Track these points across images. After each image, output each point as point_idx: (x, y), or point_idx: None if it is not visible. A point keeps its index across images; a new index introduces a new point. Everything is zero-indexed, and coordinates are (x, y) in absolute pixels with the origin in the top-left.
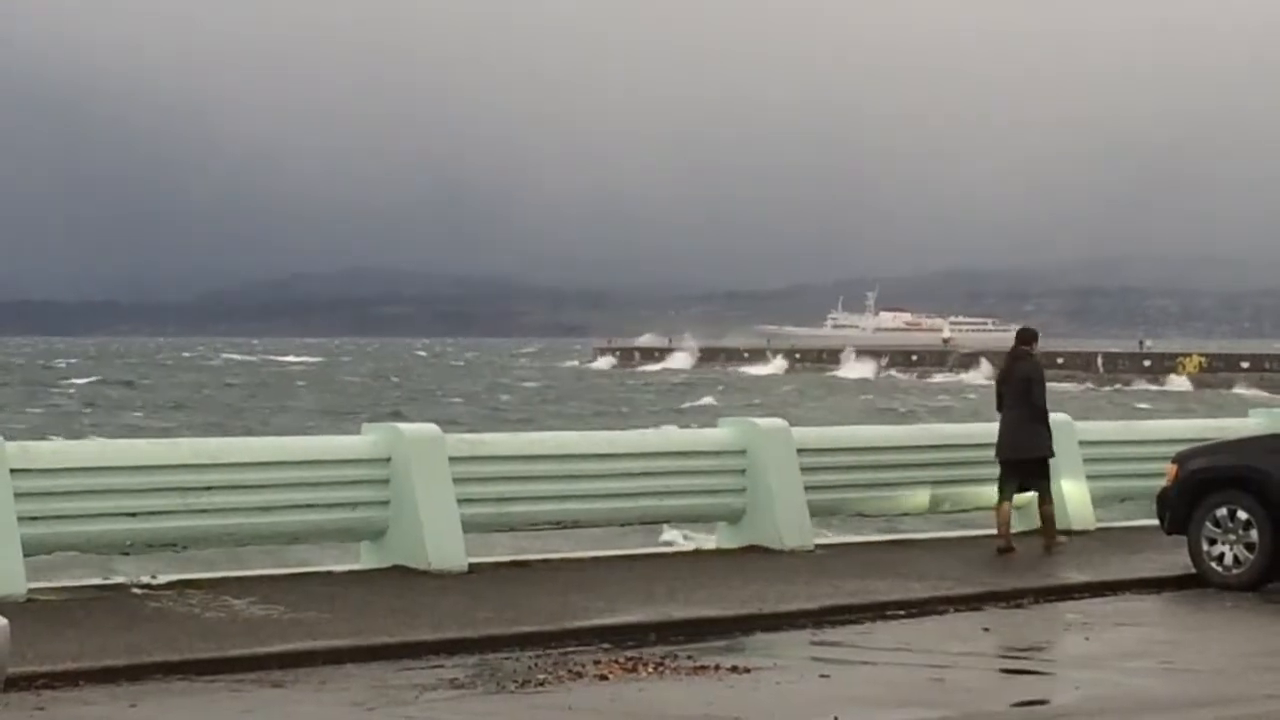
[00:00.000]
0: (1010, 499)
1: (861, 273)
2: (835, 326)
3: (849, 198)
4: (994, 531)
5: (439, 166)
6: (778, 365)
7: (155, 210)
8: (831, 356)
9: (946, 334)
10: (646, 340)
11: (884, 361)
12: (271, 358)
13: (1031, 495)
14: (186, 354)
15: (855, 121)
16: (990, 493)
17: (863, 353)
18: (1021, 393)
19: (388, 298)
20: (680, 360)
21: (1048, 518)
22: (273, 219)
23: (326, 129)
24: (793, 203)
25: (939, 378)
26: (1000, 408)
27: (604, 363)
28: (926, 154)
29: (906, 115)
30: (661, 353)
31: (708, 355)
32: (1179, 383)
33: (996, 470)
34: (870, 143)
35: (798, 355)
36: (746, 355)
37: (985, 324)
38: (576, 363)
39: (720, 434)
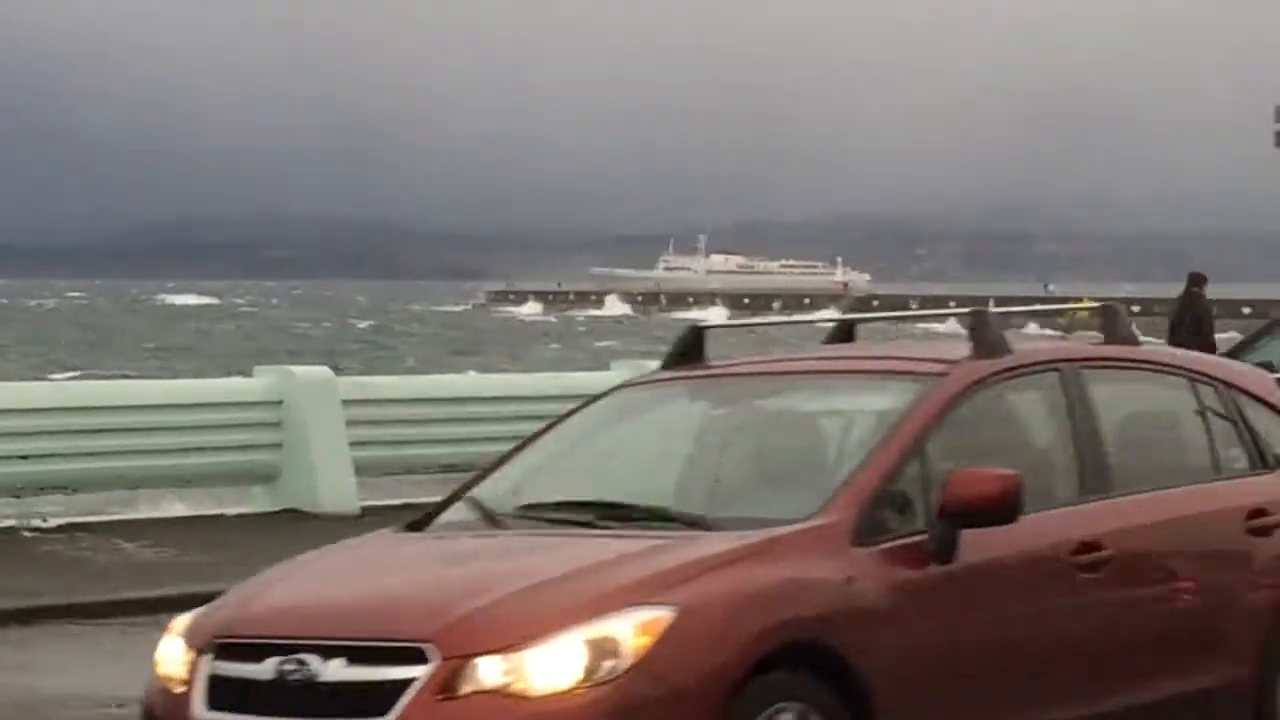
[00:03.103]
0: None
1: (755, 216)
2: (667, 269)
3: (750, 144)
4: None
5: (338, 111)
6: (716, 314)
7: (40, 148)
8: (830, 302)
9: (840, 277)
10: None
11: (876, 306)
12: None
13: None
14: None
15: (760, 68)
16: None
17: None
18: (1194, 330)
19: (277, 241)
20: (617, 307)
21: None
22: (162, 161)
23: (223, 70)
24: (694, 148)
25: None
26: (1171, 343)
27: (533, 309)
28: (827, 100)
29: (811, 62)
30: (597, 296)
31: (647, 300)
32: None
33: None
34: (774, 89)
35: (746, 300)
36: (663, 301)
37: (816, 267)
38: (470, 305)
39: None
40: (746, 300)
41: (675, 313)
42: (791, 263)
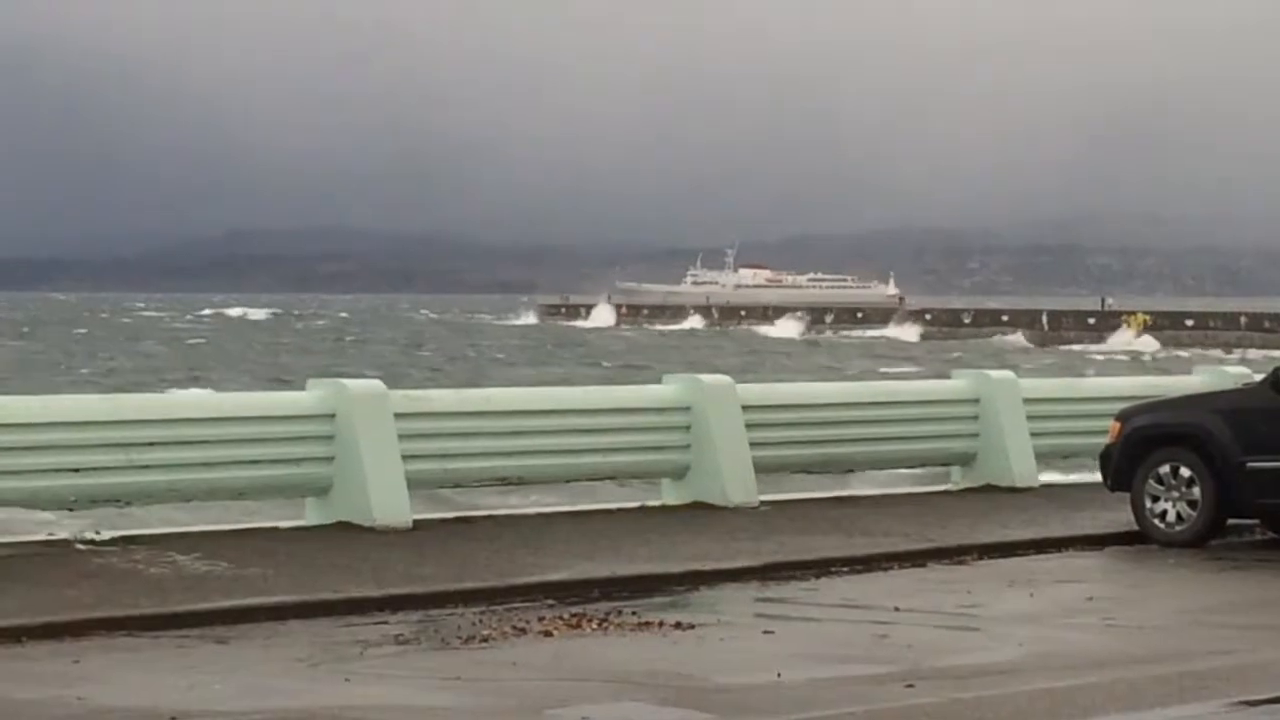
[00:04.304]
0: None
1: (804, 230)
2: (695, 283)
3: (800, 159)
4: (940, 488)
5: (389, 128)
6: (791, 327)
7: (96, 166)
8: (884, 316)
9: (892, 290)
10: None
11: (929, 319)
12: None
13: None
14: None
15: (811, 88)
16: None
17: (910, 314)
18: None
19: (328, 255)
20: (694, 320)
21: None
22: (213, 175)
23: (276, 83)
24: (748, 166)
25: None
26: None
27: (606, 317)
28: (878, 118)
29: (861, 83)
30: (675, 310)
31: (723, 314)
32: None
33: (945, 428)
34: (825, 108)
35: (799, 314)
36: (693, 312)
37: (845, 280)
38: (535, 319)
39: (665, 390)
40: (800, 314)
41: (745, 325)
42: (820, 276)
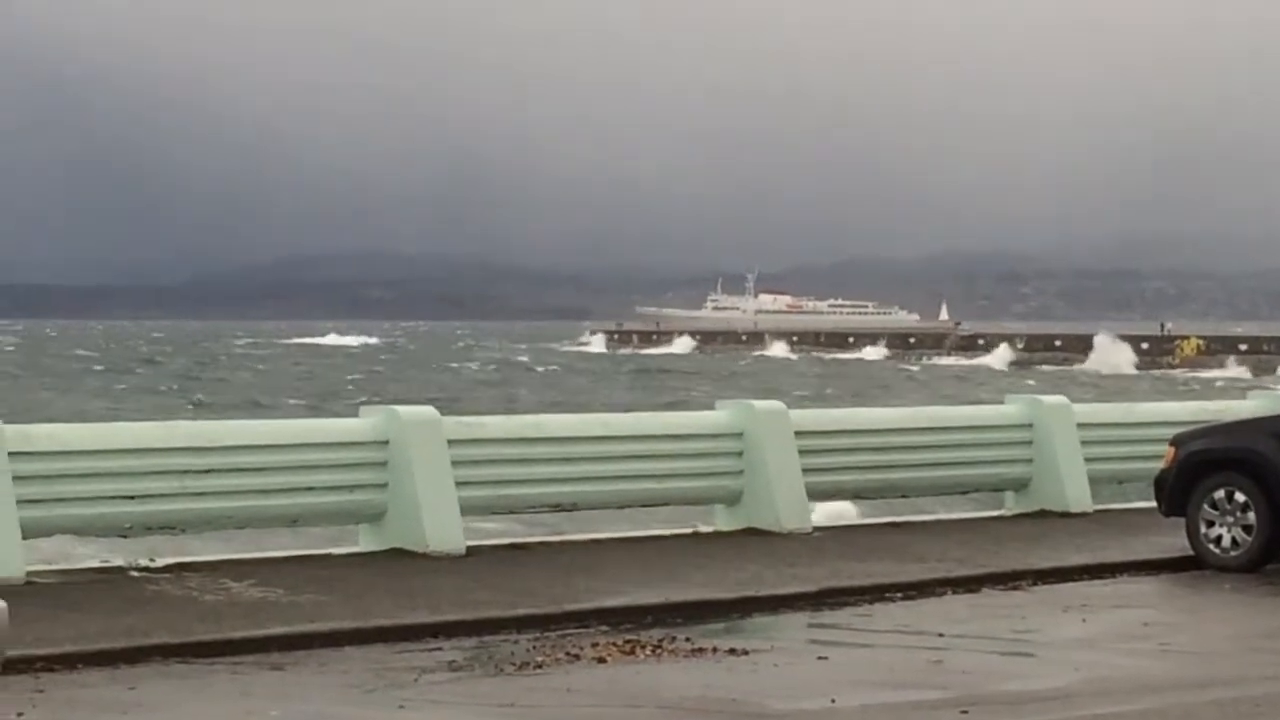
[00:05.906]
0: None
1: (857, 255)
2: (716, 309)
3: (855, 186)
4: (994, 513)
5: (434, 154)
6: (878, 351)
7: (144, 193)
8: (936, 341)
9: (944, 316)
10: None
11: (982, 344)
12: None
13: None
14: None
15: (863, 111)
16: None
17: (998, 339)
18: None
19: (376, 280)
20: (778, 348)
21: None
22: (260, 201)
23: (325, 111)
24: (797, 191)
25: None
26: None
27: (683, 345)
28: (929, 144)
29: (914, 106)
30: (751, 337)
31: (803, 339)
32: None
33: (999, 453)
34: (877, 132)
35: (851, 339)
36: (744, 339)
37: (866, 306)
38: (604, 347)
39: (718, 416)
40: (852, 339)
41: (832, 353)
42: (840, 302)
